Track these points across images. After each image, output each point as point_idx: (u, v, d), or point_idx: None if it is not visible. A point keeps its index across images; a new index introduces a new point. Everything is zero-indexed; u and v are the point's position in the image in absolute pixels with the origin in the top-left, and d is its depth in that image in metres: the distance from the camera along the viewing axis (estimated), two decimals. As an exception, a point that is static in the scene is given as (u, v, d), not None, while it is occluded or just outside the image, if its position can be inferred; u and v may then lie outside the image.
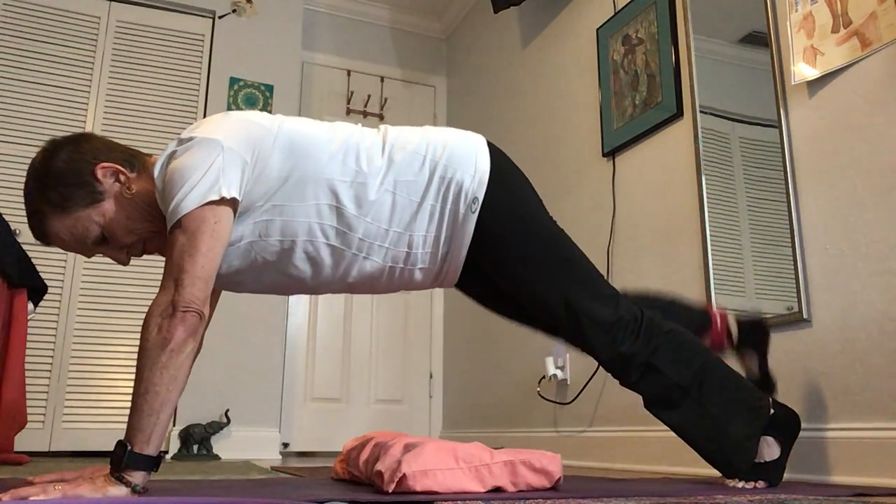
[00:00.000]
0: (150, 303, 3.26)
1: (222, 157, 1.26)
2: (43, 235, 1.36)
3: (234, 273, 1.43)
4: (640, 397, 1.57)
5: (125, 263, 1.42)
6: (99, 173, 1.33)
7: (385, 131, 1.48)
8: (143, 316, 3.44)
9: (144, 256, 2.90)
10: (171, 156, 1.30)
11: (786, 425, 1.56)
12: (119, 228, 1.35)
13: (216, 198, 1.24)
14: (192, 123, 3.61)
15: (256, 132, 1.34)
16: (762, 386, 1.74)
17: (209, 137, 1.28)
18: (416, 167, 1.43)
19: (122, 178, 1.35)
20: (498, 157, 1.51)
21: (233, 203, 1.28)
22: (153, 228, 1.37)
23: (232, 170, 1.27)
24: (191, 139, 1.28)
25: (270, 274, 1.44)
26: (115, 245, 1.38)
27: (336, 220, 1.39)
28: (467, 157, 1.46)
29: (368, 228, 1.40)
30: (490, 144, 1.53)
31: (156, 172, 1.32)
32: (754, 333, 1.79)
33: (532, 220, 1.51)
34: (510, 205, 1.48)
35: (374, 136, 1.46)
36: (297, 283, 1.47)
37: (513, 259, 1.50)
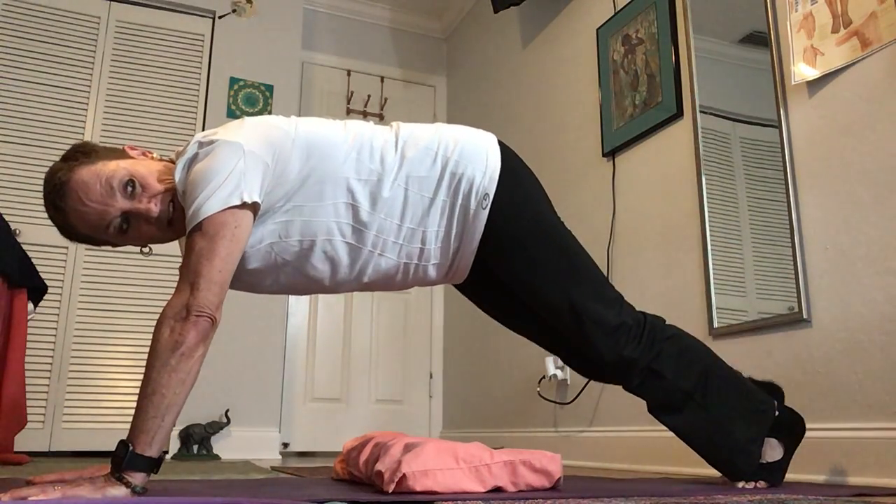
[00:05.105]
0: (150, 303, 3.30)
1: (244, 161, 1.26)
2: (63, 190, 1.28)
3: (252, 274, 1.43)
4: (642, 400, 1.58)
5: (154, 215, 1.32)
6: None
7: (398, 128, 1.48)
8: (144, 316, 3.47)
9: (144, 259, 2.88)
10: (194, 159, 1.30)
11: (790, 428, 1.56)
12: (149, 176, 1.33)
13: (237, 202, 1.24)
14: (192, 123, 3.63)
15: (275, 135, 1.35)
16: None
17: (231, 141, 1.28)
18: (427, 163, 1.43)
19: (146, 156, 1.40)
20: (509, 156, 1.52)
21: (254, 207, 1.28)
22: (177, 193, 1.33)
23: (253, 173, 1.27)
24: (212, 143, 1.29)
25: (288, 274, 1.44)
26: (146, 194, 1.31)
27: (352, 218, 1.40)
28: (478, 153, 1.47)
29: (382, 225, 1.41)
30: (501, 143, 1.53)
31: (177, 176, 1.32)
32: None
33: (540, 220, 1.52)
34: (520, 203, 1.49)
35: (387, 133, 1.46)
36: (315, 284, 1.48)
37: (520, 257, 1.50)
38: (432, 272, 1.50)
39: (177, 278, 1.30)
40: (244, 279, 1.45)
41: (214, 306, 1.20)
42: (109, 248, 1.57)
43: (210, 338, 1.20)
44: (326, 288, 1.50)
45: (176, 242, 1.47)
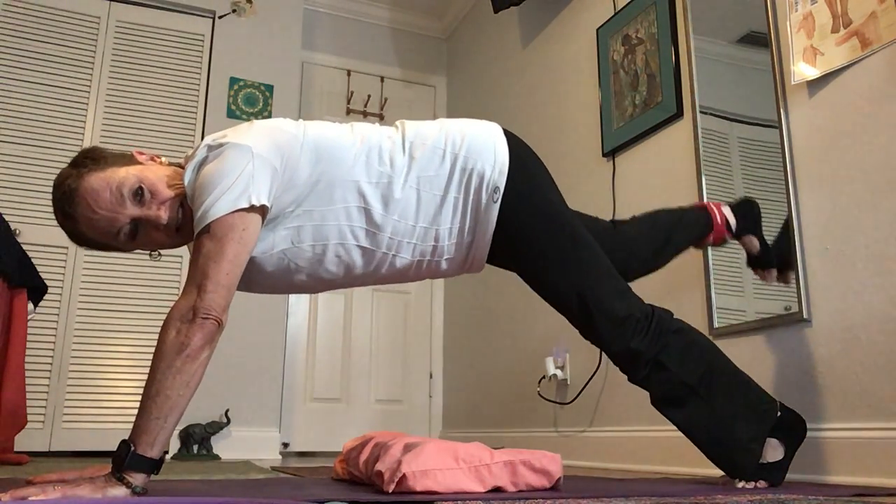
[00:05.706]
0: (150, 303, 3.30)
1: (252, 164, 1.27)
2: (72, 197, 1.28)
3: (266, 277, 1.44)
4: (643, 396, 1.58)
5: (163, 221, 1.33)
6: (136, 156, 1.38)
7: (403, 127, 1.49)
8: (144, 316, 3.46)
9: (144, 259, 2.87)
10: (203, 161, 1.31)
11: (792, 428, 1.56)
12: (158, 182, 1.33)
13: (246, 205, 1.24)
14: (192, 124, 3.62)
15: (284, 139, 1.35)
16: (767, 259, 1.92)
17: (240, 144, 1.28)
18: (436, 162, 1.44)
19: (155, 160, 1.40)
20: (516, 145, 1.53)
21: (262, 210, 1.29)
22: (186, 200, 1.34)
23: (262, 177, 1.27)
24: (221, 146, 1.29)
25: (302, 277, 1.45)
26: (156, 201, 1.32)
27: (365, 222, 1.41)
28: (486, 146, 1.48)
29: (396, 226, 1.42)
30: (507, 132, 1.54)
31: (186, 179, 1.33)
32: (748, 214, 1.93)
33: (549, 210, 1.53)
34: (529, 194, 1.50)
35: (394, 134, 1.47)
36: (329, 284, 1.49)
37: (529, 248, 1.51)
38: (445, 266, 1.52)
39: (177, 279, 1.30)
40: (257, 282, 1.46)
41: (221, 309, 1.20)
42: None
43: (216, 340, 1.20)
44: (339, 286, 1.52)
45: (178, 243, 1.47)
